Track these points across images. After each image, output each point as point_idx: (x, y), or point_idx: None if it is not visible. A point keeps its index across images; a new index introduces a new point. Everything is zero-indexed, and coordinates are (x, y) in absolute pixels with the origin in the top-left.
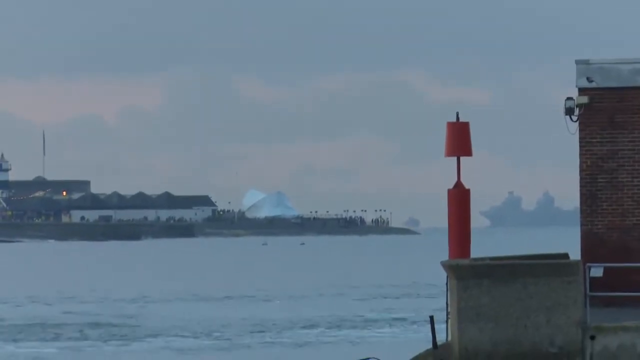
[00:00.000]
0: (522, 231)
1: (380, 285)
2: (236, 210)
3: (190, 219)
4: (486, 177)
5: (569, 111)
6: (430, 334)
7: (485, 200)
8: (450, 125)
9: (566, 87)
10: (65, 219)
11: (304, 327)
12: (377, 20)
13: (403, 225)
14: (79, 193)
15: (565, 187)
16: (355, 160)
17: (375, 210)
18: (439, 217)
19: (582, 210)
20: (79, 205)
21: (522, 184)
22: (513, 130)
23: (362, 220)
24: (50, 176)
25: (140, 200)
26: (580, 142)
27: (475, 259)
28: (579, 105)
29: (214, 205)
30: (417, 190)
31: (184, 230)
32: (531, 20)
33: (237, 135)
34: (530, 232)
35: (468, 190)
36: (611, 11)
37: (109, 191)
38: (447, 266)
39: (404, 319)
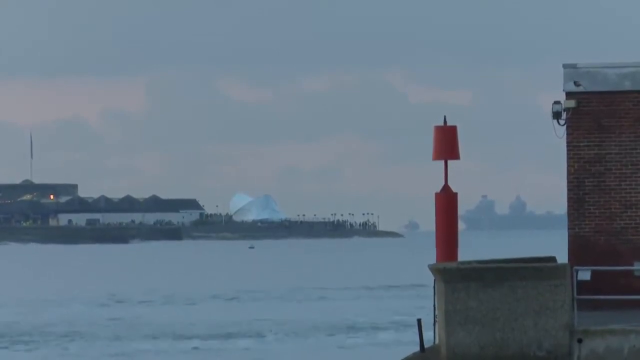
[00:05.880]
0: (497, 235)
1: (367, 287)
2: (224, 213)
3: (178, 222)
4: (460, 180)
5: (556, 115)
6: (417, 337)
7: (459, 204)
8: (438, 129)
9: (549, 91)
10: (52, 222)
11: (290, 332)
12: (361, 22)
13: (402, 228)
14: (66, 196)
15: (537, 191)
16: (342, 162)
17: (363, 214)
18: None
19: (569, 214)
20: (67, 208)
21: (495, 187)
22: (489, 133)
23: (350, 223)
24: (37, 180)
25: (128, 204)
26: (567, 145)
27: (462, 262)
28: (567, 109)
29: (202, 208)
30: (416, 192)
31: (172, 233)
32: (517, 23)
33: (223, 138)
34: (505, 236)
35: (455, 194)
36: (598, 15)
37: (96, 195)
38: (434, 269)
39: (391, 322)
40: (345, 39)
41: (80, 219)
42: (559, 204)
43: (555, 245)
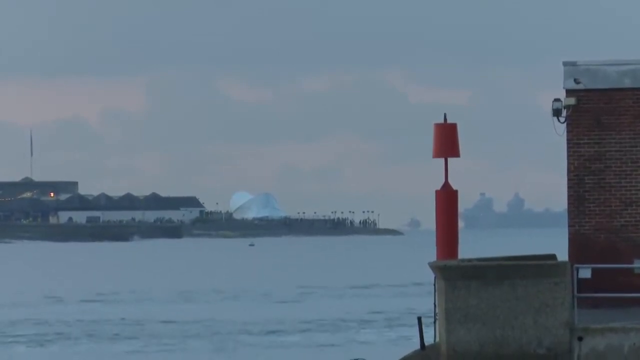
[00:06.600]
0: (495, 233)
1: (369, 285)
2: (224, 211)
3: (178, 220)
4: (459, 178)
5: (556, 112)
6: (417, 335)
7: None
8: (438, 126)
9: (548, 90)
10: (52, 220)
11: (291, 329)
12: (361, 22)
13: (404, 226)
14: (66, 194)
15: (535, 189)
16: (342, 161)
17: (363, 212)
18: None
19: (569, 212)
20: (67, 206)
21: (493, 185)
22: (489, 132)
23: (350, 221)
24: (37, 177)
25: (128, 202)
26: (567, 143)
27: (463, 260)
28: (567, 107)
29: (202, 206)
30: (417, 191)
31: (172, 231)
32: (517, 23)
33: (223, 138)
34: (504, 234)
35: (456, 192)
36: (598, 15)
37: (96, 192)
38: (435, 267)
39: (392, 320)
40: (345, 39)
41: (80, 217)
42: (558, 201)
43: (554, 243)
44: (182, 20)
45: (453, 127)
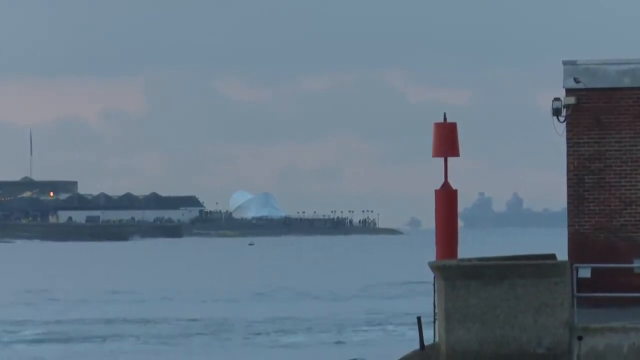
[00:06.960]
0: (494, 232)
1: (366, 284)
2: (224, 211)
3: (178, 219)
4: (458, 178)
5: (556, 112)
6: (417, 335)
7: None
8: (438, 125)
9: (548, 90)
10: (52, 219)
11: (291, 329)
12: (361, 22)
13: (404, 226)
14: (66, 194)
15: (533, 188)
16: (342, 161)
17: (363, 211)
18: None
19: (569, 211)
20: (66, 205)
21: (492, 185)
22: (488, 132)
23: (349, 220)
24: (37, 177)
25: (128, 201)
26: (567, 142)
27: (462, 260)
28: (566, 106)
29: (202, 205)
30: (417, 191)
31: (172, 230)
32: (517, 23)
33: (223, 136)
34: (503, 233)
35: (455, 191)
36: (598, 15)
37: (96, 192)
38: (434, 267)
39: (391, 319)
40: (345, 39)
41: (80, 216)
42: (556, 201)
43: (553, 243)
44: (182, 20)
45: (453, 126)
